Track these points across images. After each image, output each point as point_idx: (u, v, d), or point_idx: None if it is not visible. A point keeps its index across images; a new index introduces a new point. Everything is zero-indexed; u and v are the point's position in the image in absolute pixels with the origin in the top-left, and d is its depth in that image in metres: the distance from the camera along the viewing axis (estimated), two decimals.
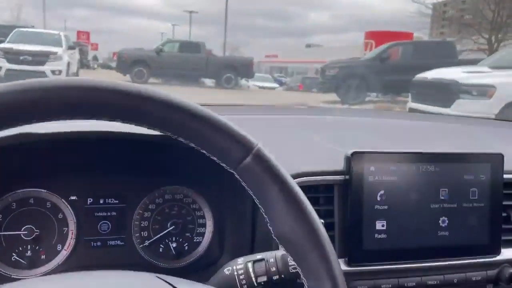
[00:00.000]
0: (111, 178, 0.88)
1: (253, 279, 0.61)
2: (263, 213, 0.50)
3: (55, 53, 11.53)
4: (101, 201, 0.87)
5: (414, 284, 0.80)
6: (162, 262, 0.89)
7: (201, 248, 0.91)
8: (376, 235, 0.77)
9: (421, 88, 7.45)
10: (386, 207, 0.78)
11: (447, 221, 0.81)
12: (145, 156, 0.89)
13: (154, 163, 0.89)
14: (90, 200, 0.87)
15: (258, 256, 0.63)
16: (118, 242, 0.88)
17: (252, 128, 1.09)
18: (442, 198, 0.81)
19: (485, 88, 6.03)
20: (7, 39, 12.11)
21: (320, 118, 1.17)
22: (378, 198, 0.77)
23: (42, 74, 10.66)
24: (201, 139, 0.48)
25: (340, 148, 0.81)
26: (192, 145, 0.49)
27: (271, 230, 0.49)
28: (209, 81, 16.11)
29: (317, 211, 0.81)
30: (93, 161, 0.87)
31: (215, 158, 0.50)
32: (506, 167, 0.85)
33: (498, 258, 0.85)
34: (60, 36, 12.82)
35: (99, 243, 0.86)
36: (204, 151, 0.49)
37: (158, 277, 0.46)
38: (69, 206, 0.84)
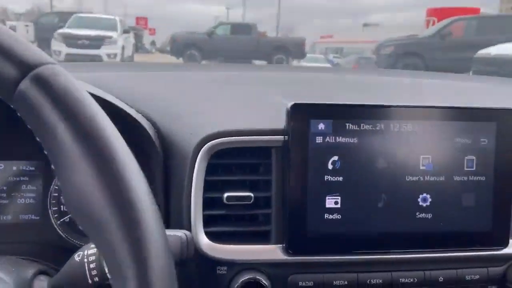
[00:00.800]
0: (25, 140, 0.75)
1: (105, 268, 0.45)
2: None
3: (110, 37, 11.89)
4: (14, 168, 0.74)
5: (380, 281, 0.60)
6: (84, 242, 0.74)
7: None
8: (326, 215, 0.58)
9: (483, 65, 6.94)
10: (340, 178, 0.58)
11: (429, 200, 0.60)
12: None
13: None
14: (0, 166, 0.74)
15: None
16: (32, 217, 0.74)
17: (206, 83, 0.93)
18: (423, 168, 0.60)
19: None
20: (66, 25, 12.60)
21: (288, 75, 0.97)
22: (330, 167, 0.58)
23: (98, 57, 11.07)
24: None
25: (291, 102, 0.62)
26: None
27: (62, 197, 0.33)
28: (260, 63, 15.95)
29: (255, 182, 0.63)
30: (4, 117, 0.74)
31: None
32: None
33: (505, 251, 0.62)
34: (116, 21, 13.15)
35: (9, 217, 0.74)
36: None
37: None
38: None
